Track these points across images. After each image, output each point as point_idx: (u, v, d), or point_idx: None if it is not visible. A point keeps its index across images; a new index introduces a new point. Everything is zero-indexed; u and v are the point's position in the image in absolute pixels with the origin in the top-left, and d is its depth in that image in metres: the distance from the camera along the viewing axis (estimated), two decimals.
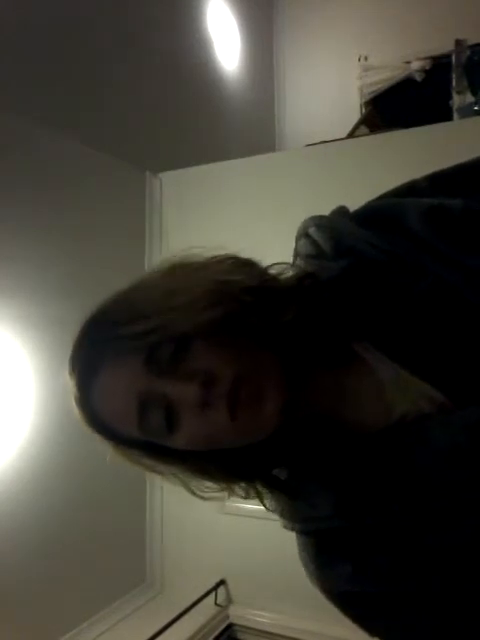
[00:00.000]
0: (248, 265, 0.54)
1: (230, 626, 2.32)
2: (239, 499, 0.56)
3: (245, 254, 0.55)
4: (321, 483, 0.52)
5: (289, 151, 3.90)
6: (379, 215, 0.53)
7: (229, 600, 2.37)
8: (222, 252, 0.54)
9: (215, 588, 2.32)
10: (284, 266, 0.55)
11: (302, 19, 4.40)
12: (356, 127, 3.34)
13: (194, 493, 0.54)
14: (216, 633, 2.24)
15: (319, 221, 0.55)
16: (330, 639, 2.08)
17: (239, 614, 2.33)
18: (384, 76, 4.16)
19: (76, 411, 0.52)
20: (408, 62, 4.08)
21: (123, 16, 2.71)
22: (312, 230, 0.55)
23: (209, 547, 2.42)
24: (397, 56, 4.11)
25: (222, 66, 3.70)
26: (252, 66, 4.10)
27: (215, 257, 0.53)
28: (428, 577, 0.46)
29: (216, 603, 2.31)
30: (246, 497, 0.55)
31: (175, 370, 0.47)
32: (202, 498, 0.54)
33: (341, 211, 0.58)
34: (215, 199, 2.50)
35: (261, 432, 0.50)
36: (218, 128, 3.56)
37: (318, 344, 0.52)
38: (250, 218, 2.40)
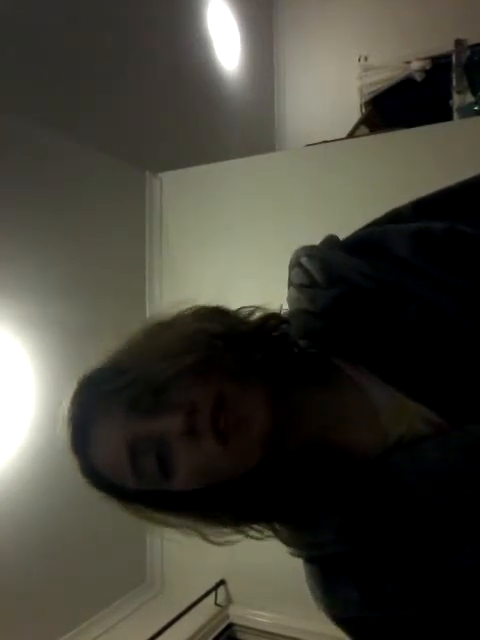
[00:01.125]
0: (217, 313, 0.57)
1: (230, 626, 2.32)
2: (268, 536, 0.57)
3: (212, 301, 0.58)
4: (323, 509, 0.52)
5: (289, 151, 3.90)
6: (366, 243, 0.55)
7: (229, 600, 2.37)
8: (191, 305, 0.56)
9: (215, 588, 2.32)
10: (251, 309, 0.58)
11: (302, 19, 4.40)
12: (356, 127, 3.34)
13: (209, 540, 0.55)
14: (216, 633, 2.24)
15: (310, 251, 0.58)
16: (330, 639, 2.08)
17: (239, 614, 2.33)
18: (384, 76, 4.16)
19: (80, 477, 0.54)
20: (408, 62, 4.08)
21: (123, 16, 2.71)
22: (304, 260, 0.57)
23: (209, 547, 2.41)
24: (397, 56, 4.10)
25: (222, 66, 3.70)
26: (252, 66, 4.10)
27: (186, 309, 0.56)
28: (432, 601, 0.47)
29: (216, 603, 2.31)
30: (261, 538, 0.56)
31: (155, 408, 0.49)
32: (218, 544, 0.56)
33: (331, 240, 0.60)
34: (215, 199, 2.50)
35: (254, 454, 0.50)
36: (218, 128, 3.56)
37: (301, 370, 0.54)
38: (250, 218, 2.40)
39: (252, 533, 0.56)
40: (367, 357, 0.52)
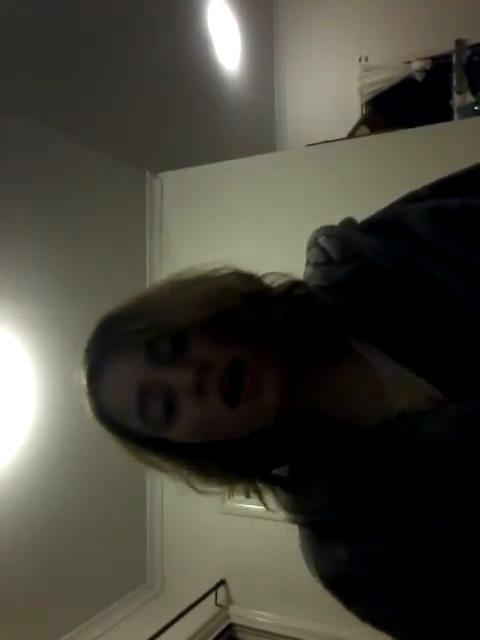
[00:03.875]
0: (246, 277, 0.58)
1: (230, 626, 2.32)
2: (239, 499, 0.57)
3: (246, 267, 0.59)
4: (318, 475, 0.54)
5: (290, 151, 3.90)
6: (384, 223, 0.57)
7: (229, 600, 2.37)
8: (221, 265, 0.58)
9: (215, 588, 2.32)
10: (279, 275, 0.59)
11: (302, 19, 4.40)
12: (356, 127, 3.34)
13: (194, 488, 0.56)
14: (216, 633, 2.24)
15: (328, 231, 0.59)
16: (330, 639, 2.08)
17: (239, 614, 2.33)
18: (384, 76, 4.16)
19: (86, 407, 0.55)
20: (408, 62, 4.08)
21: (123, 16, 2.71)
22: (322, 239, 0.58)
23: (209, 547, 2.42)
24: (397, 56, 4.10)
25: (222, 66, 3.70)
26: (252, 66, 4.10)
27: (217, 269, 0.57)
28: (419, 561, 0.48)
29: (216, 603, 2.31)
30: (247, 495, 0.57)
31: (173, 361, 0.51)
32: (201, 493, 0.56)
33: (349, 222, 0.61)
34: (215, 199, 2.50)
35: (260, 422, 0.52)
36: (218, 128, 3.56)
37: (315, 342, 0.55)
38: (250, 218, 2.40)
39: (239, 489, 0.57)
40: (376, 333, 0.53)
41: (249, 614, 2.32)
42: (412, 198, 0.59)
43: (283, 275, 0.59)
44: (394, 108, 4.19)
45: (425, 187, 0.59)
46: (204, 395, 0.49)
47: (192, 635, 2.12)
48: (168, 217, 2.60)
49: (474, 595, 0.46)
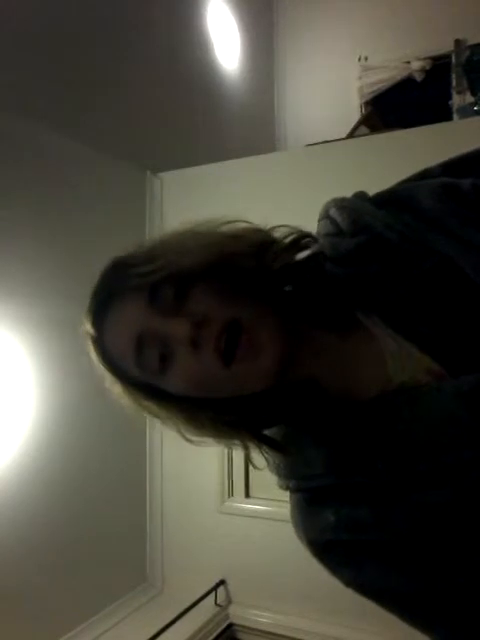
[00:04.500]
0: (255, 227, 0.58)
1: (230, 626, 2.32)
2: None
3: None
4: (314, 442, 0.54)
5: (289, 151, 3.90)
6: (395, 197, 0.57)
7: (229, 600, 2.37)
8: (235, 217, 0.58)
9: (215, 588, 2.32)
10: (289, 228, 0.59)
11: (302, 19, 4.40)
12: (356, 127, 3.34)
13: (186, 438, 0.56)
14: (216, 633, 2.24)
15: (340, 203, 0.59)
16: (330, 639, 2.08)
17: (239, 614, 2.33)
18: (384, 76, 4.16)
19: (90, 349, 0.56)
20: (408, 62, 4.08)
21: (123, 16, 2.71)
22: (333, 211, 0.59)
23: (209, 547, 2.42)
24: (397, 56, 4.11)
25: (222, 66, 3.70)
26: (252, 66, 4.10)
27: (228, 220, 0.57)
28: (406, 531, 0.49)
29: (216, 603, 2.31)
30: (231, 447, 0.57)
31: (174, 311, 0.51)
32: (190, 442, 0.56)
33: (361, 194, 0.61)
34: (215, 199, 2.50)
35: (255, 384, 0.52)
36: (218, 128, 3.56)
37: (319, 308, 0.55)
38: (250, 218, 2.39)
39: (228, 445, 0.57)
40: (381, 306, 0.53)
41: (249, 614, 2.32)
42: (425, 174, 0.59)
43: (293, 228, 0.59)
44: (394, 108, 4.19)
45: (438, 165, 0.60)
46: (199, 349, 0.49)
47: (192, 635, 2.12)
48: (168, 217, 2.60)
49: (460, 565, 0.47)
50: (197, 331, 0.49)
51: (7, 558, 1.76)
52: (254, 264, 0.53)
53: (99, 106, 2.49)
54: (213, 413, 0.54)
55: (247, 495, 2.30)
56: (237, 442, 0.56)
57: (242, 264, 0.52)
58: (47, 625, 1.94)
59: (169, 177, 2.63)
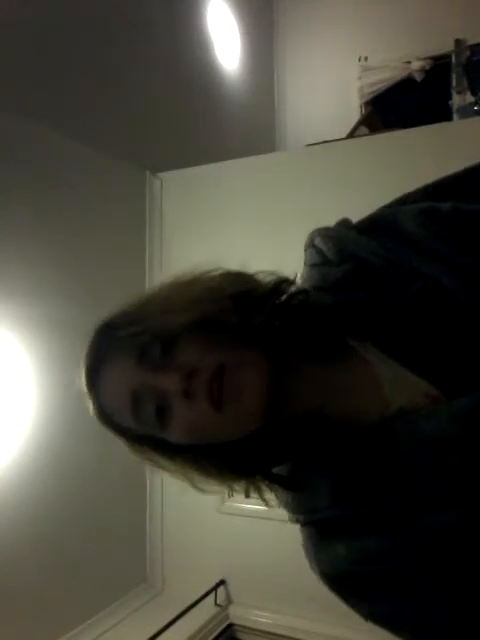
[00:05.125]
0: (234, 275, 0.59)
1: (230, 626, 2.32)
2: (239, 499, 0.58)
3: (236, 265, 0.60)
4: (319, 474, 0.55)
5: (289, 151, 3.90)
6: (378, 223, 0.58)
7: (229, 600, 2.37)
8: (214, 266, 0.59)
9: (215, 588, 2.32)
10: (268, 273, 0.59)
11: (302, 19, 4.40)
12: (356, 127, 3.34)
13: (195, 486, 0.57)
14: (216, 633, 2.24)
15: (324, 232, 0.61)
16: (330, 639, 2.08)
17: (239, 614, 2.33)
18: (384, 76, 4.16)
19: (89, 409, 0.58)
20: (408, 62, 4.08)
21: (123, 16, 2.71)
22: (317, 240, 0.60)
23: (209, 547, 2.42)
24: (397, 56, 4.10)
25: (222, 66, 3.70)
26: (252, 66, 4.10)
27: (206, 271, 0.58)
28: (416, 558, 0.49)
29: (216, 603, 2.31)
30: (246, 495, 0.57)
31: (163, 365, 0.52)
32: (202, 491, 0.57)
33: (344, 222, 0.62)
34: (215, 199, 2.50)
35: (246, 424, 0.53)
36: (218, 128, 3.56)
37: (308, 341, 0.56)
38: (250, 218, 2.40)
39: (237, 487, 0.58)
40: (374, 332, 0.54)
41: (249, 614, 2.32)
42: (406, 199, 0.60)
43: (271, 273, 0.59)
44: (394, 108, 4.19)
45: (419, 189, 0.61)
46: (193, 399, 0.51)
47: (192, 635, 2.12)
48: (168, 217, 2.60)
49: (474, 587, 0.47)
50: (188, 382, 0.50)
51: (7, 558, 1.76)
52: (235, 319, 0.54)
53: (99, 106, 2.49)
54: (217, 460, 0.55)
55: (247, 495, 2.30)
56: (249, 485, 0.57)
57: (225, 320, 0.53)
58: (47, 625, 1.94)
59: (169, 177, 2.63)
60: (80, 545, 2.05)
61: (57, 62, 2.26)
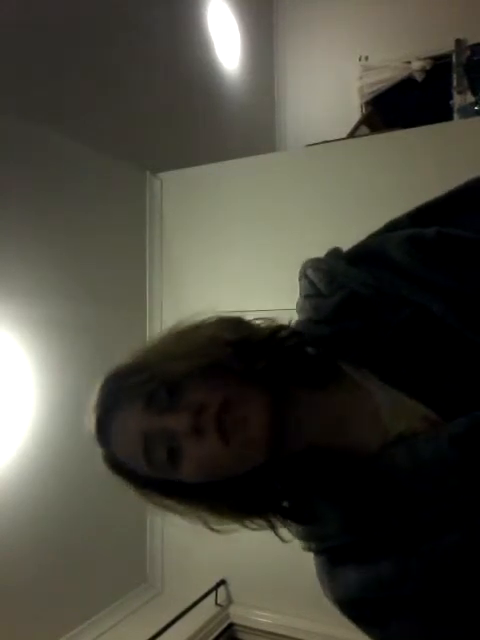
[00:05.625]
0: (235, 322, 0.62)
1: (230, 626, 2.32)
2: (267, 529, 0.59)
3: (233, 310, 0.64)
4: (327, 503, 0.56)
5: (289, 151, 3.90)
6: (366, 253, 0.60)
7: (229, 600, 2.37)
8: (212, 314, 0.62)
9: (215, 588, 2.32)
10: (263, 319, 0.62)
11: (302, 19, 4.40)
12: (356, 127, 3.34)
13: (212, 528, 0.59)
14: (216, 633, 2.24)
15: (315, 264, 0.63)
16: (330, 639, 2.08)
17: (239, 614, 2.33)
18: (384, 76, 4.16)
19: (103, 461, 0.60)
20: (408, 62, 4.08)
21: (123, 16, 2.71)
22: (309, 271, 0.63)
23: (209, 547, 2.42)
24: (397, 56, 4.10)
25: (222, 66, 3.70)
26: (252, 66, 4.10)
27: (203, 320, 0.61)
28: (425, 581, 0.49)
29: (216, 603, 2.31)
30: (258, 530, 0.59)
31: (171, 407, 0.54)
32: (220, 532, 0.59)
33: (335, 253, 0.64)
34: (215, 199, 2.50)
35: (254, 454, 0.54)
36: (218, 128, 3.56)
37: (304, 375, 0.58)
38: (250, 218, 2.40)
39: (252, 526, 0.59)
40: (369, 360, 0.55)
41: (249, 614, 2.32)
42: (394, 226, 0.62)
43: (266, 319, 0.62)
44: (394, 108, 4.19)
45: (405, 215, 0.62)
46: (203, 435, 0.52)
47: (192, 635, 2.12)
48: (168, 217, 2.60)
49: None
50: (197, 419, 0.52)
51: (7, 558, 1.76)
52: (237, 365, 0.56)
53: (99, 106, 2.49)
54: (229, 498, 0.57)
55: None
56: (262, 522, 0.58)
57: (227, 365, 0.56)
58: (47, 625, 1.94)
59: (169, 177, 2.63)
60: (80, 545, 2.05)
61: (57, 62, 2.26)
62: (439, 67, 4.05)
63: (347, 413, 0.57)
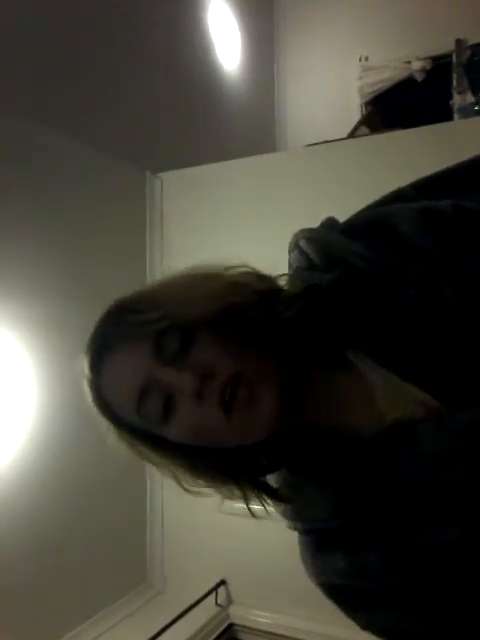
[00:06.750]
0: (260, 275, 0.57)
1: (231, 626, 2.32)
2: (239, 499, 0.58)
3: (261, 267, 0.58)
4: (319, 485, 0.54)
5: (289, 151, 3.90)
6: (369, 224, 0.54)
7: (229, 600, 2.37)
8: (240, 262, 0.57)
9: (215, 588, 2.32)
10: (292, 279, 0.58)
11: (303, 19, 4.40)
12: (356, 127, 3.33)
13: (183, 487, 0.55)
14: (217, 633, 2.24)
15: (309, 234, 0.57)
16: (330, 639, 2.08)
17: (239, 614, 2.33)
18: (384, 76, 4.16)
19: (85, 391, 0.55)
20: (408, 62, 4.08)
21: (123, 16, 2.71)
22: (302, 243, 0.57)
23: (209, 547, 2.42)
24: (397, 56, 4.10)
25: (222, 66, 3.70)
26: (252, 66, 4.10)
27: (232, 266, 0.56)
28: (414, 573, 0.48)
29: (216, 603, 2.31)
30: (231, 498, 0.56)
31: (179, 361, 0.50)
32: (189, 492, 0.56)
33: (330, 223, 0.59)
34: (215, 199, 2.50)
35: (254, 435, 0.52)
36: (218, 128, 3.56)
37: (314, 350, 0.54)
38: (250, 218, 2.40)
39: (225, 491, 0.56)
40: (366, 341, 0.52)
41: (249, 614, 2.32)
42: (397, 197, 0.57)
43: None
44: (394, 108, 4.19)
45: (410, 185, 0.58)
46: (203, 401, 0.49)
47: (192, 635, 2.12)
48: (168, 217, 2.60)
49: (473, 605, 0.46)
50: (202, 385, 0.48)
51: (7, 558, 1.76)
52: (260, 314, 0.51)
53: (99, 106, 2.49)
54: (212, 462, 0.54)
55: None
56: (236, 491, 0.55)
57: (248, 313, 0.51)
58: (47, 625, 1.94)
59: (169, 177, 2.63)
60: (80, 545, 2.05)
61: (57, 62, 2.26)
62: (439, 67, 4.05)
63: (344, 396, 0.54)
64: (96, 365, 0.53)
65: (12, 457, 1.81)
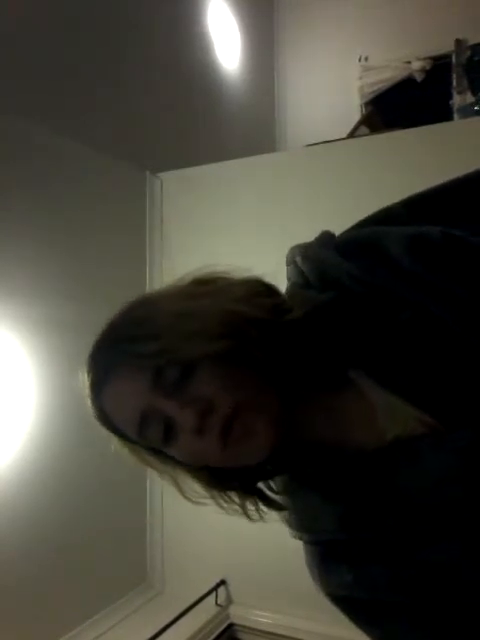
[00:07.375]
0: (262, 294, 0.56)
1: (231, 626, 2.32)
2: (238, 508, 0.59)
3: (266, 277, 0.58)
4: (321, 498, 0.55)
5: (289, 151, 3.90)
6: (361, 245, 0.55)
7: (229, 600, 2.37)
8: (242, 273, 0.57)
9: (215, 588, 2.32)
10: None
11: (302, 19, 4.40)
12: (356, 127, 3.33)
13: (184, 495, 0.58)
14: (216, 633, 2.24)
15: (304, 252, 0.58)
16: (330, 639, 2.07)
17: (239, 614, 2.33)
18: (384, 76, 4.16)
19: (88, 406, 0.56)
20: (408, 62, 4.08)
21: (123, 16, 2.71)
22: (298, 259, 0.58)
23: (209, 547, 2.42)
24: (397, 56, 4.10)
25: (222, 66, 3.70)
26: (252, 66, 4.10)
27: (232, 281, 0.56)
28: (418, 588, 0.49)
29: (216, 603, 2.31)
30: (228, 508, 0.59)
31: (178, 393, 0.51)
32: (190, 501, 0.58)
33: (325, 239, 0.59)
34: (215, 199, 2.50)
35: (252, 460, 0.54)
36: (218, 128, 3.56)
37: (315, 372, 0.55)
38: (250, 218, 2.40)
39: (222, 501, 0.58)
40: (363, 360, 0.53)
41: (249, 614, 2.32)
42: (387, 216, 0.58)
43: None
44: (394, 108, 4.19)
45: (401, 204, 0.58)
46: (203, 436, 0.50)
47: (192, 635, 2.12)
48: (168, 217, 2.60)
49: (475, 621, 0.47)
50: (202, 421, 0.49)
51: (7, 558, 1.76)
52: (261, 347, 0.51)
53: (99, 106, 2.49)
54: (213, 474, 0.56)
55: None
56: (234, 500, 0.58)
57: (249, 348, 0.51)
58: (47, 625, 1.94)
59: (169, 177, 2.63)
60: (80, 545, 2.04)
61: (57, 62, 2.26)
62: (439, 67, 4.05)
63: (344, 415, 0.55)
64: (96, 390, 0.54)
65: (12, 457, 1.81)
